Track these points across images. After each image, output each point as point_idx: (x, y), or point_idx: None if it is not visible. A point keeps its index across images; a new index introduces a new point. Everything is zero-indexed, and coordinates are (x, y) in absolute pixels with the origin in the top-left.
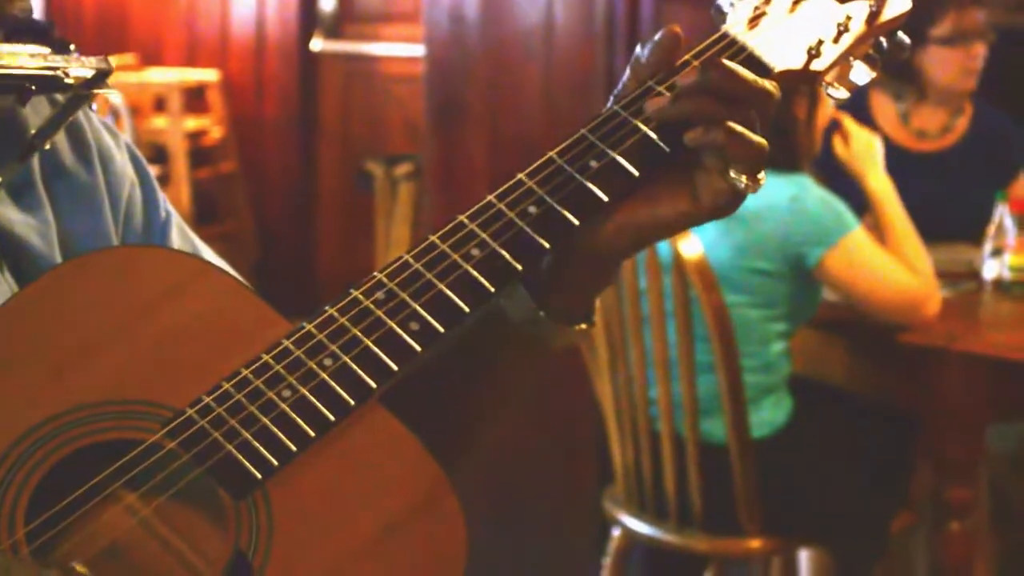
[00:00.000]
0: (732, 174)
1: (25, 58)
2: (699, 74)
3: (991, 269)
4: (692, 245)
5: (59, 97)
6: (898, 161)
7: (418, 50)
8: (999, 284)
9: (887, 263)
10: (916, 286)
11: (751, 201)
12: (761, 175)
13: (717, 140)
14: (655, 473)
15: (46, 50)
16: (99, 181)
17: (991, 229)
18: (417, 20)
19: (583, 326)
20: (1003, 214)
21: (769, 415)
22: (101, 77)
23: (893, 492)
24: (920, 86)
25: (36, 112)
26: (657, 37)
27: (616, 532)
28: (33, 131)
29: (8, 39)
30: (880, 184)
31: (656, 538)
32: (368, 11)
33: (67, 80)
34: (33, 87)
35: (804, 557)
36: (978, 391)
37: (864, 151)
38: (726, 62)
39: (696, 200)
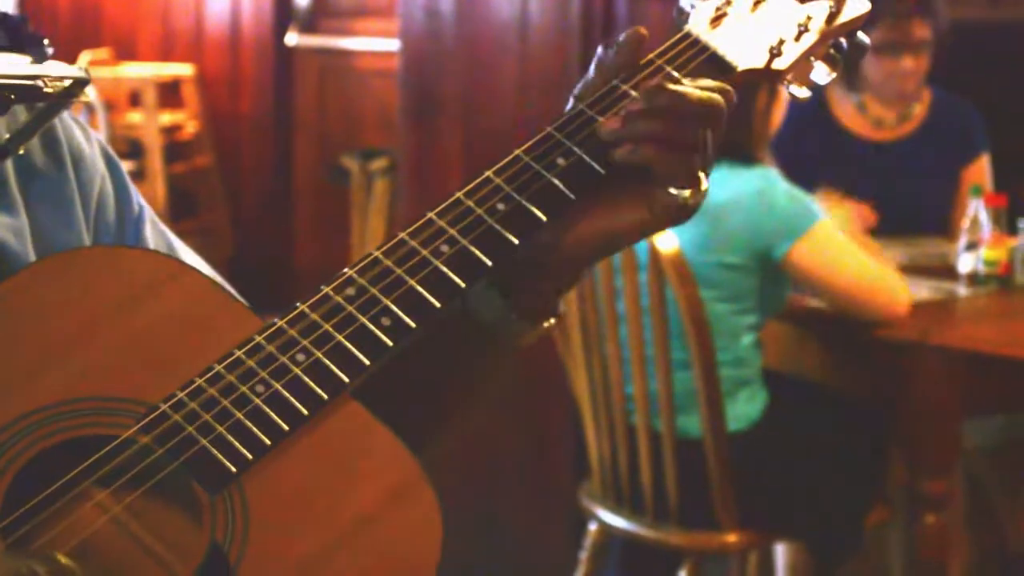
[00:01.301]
0: (672, 190)
1: (4, 67)
2: (644, 101)
3: (966, 263)
4: (668, 240)
5: (37, 103)
6: (859, 151)
7: (393, 44)
8: (974, 278)
9: (855, 253)
10: (884, 278)
11: (718, 195)
12: (704, 184)
13: (645, 158)
14: (631, 467)
15: (26, 59)
16: (70, 178)
17: (965, 223)
18: (392, 15)
19: (551, 322)
20: (978, 208)
21: (744, 409)
22: (79, 86)
23: (869, 486)
24: (859, 82)
25: (11, 115)
26: (622, 37)
27: (593, 526)
28: (8, 135)
29: None
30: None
31: (632, 532)
32: (343, 6)
33: (46, 89)
34: (12, 96)
35: (780, 551)
36: (953, 385)
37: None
38: (671, 87)
39: (651, 210)
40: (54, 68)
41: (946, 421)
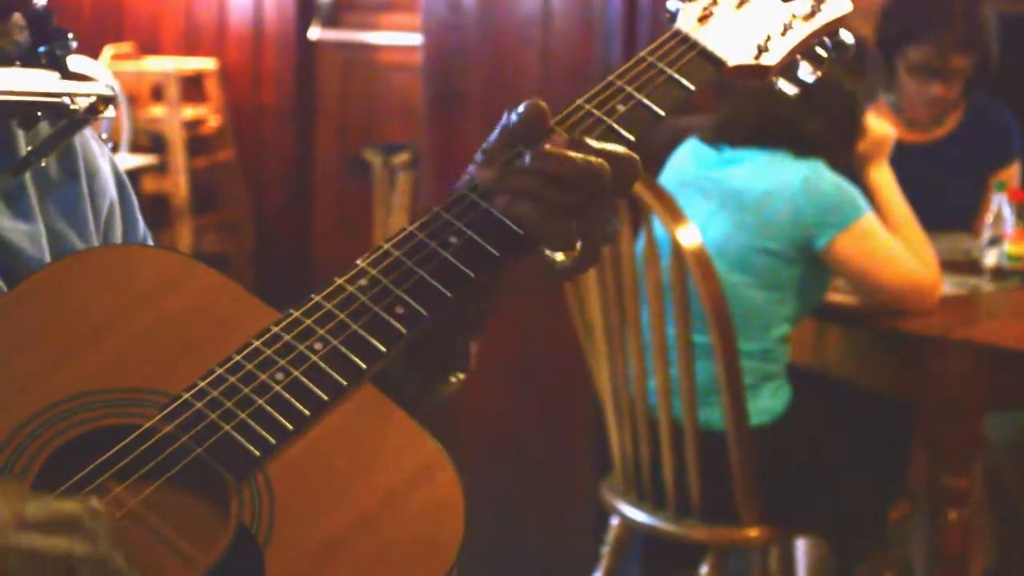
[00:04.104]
0: (546, 251)
1: (32, 84)
2: (530, 159)
3: (989, 258)
4: (690, 233)
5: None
6: (892, 151)
7: (416, 39)
8: (997, 273)
9: (896, 249)
10: (924, 273)
11: (763, 182)
12: (577, 251)
13: (519, 213)
14: (653, 462)
15: (55, 75)
16: (84, 191)
17: (989, 218)
18: (415, 8)
19: (459, 377)
20: (1001, 203)
21: (767, 403)
22: (103, 102)
23: (891, 481)
24: (895, 81)
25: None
26: (523, 108)
27: (614, 521)
28: (29, 148)
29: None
30: (881, 176)
31: (654, 527)
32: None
33: (71, 107)
34: (39, 113)
35: (801, 546)
36: (975, 380)
37: (875, 143)
38: (554, 151)
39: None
40: (80, 85)
41: (968, 416)
